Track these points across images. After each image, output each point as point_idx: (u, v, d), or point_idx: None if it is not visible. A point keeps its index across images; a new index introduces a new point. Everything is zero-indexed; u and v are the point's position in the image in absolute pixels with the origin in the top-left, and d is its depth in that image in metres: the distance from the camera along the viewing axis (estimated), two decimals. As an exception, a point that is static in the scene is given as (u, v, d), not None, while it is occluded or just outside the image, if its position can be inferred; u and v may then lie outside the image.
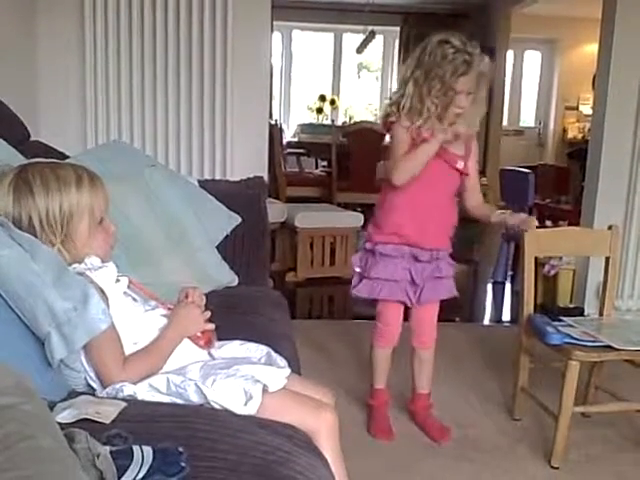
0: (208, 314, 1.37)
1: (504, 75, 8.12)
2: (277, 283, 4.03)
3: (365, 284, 2.20)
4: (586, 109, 8.43)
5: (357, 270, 2.24)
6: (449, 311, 3.97)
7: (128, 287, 1.33)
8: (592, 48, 6.07)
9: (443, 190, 2.16)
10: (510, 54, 8.31)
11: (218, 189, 2.25)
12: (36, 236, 1.23)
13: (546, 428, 2.30)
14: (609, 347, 2.05)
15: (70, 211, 1.25)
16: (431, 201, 2.13)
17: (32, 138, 2.19)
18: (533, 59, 9.19)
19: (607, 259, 2.41)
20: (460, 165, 2.13)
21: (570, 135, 8.98)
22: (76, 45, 3.40)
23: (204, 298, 1.43)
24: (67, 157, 1.93)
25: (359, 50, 7.84)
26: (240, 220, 2.17)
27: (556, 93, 9.07)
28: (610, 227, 2.40)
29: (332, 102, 8.50)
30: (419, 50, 2.05)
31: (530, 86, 9.26)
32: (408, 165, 2.04)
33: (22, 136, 2.07)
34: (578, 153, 5.82)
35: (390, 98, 2.14)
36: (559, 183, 5.20)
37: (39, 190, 1.23)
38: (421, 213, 2.12)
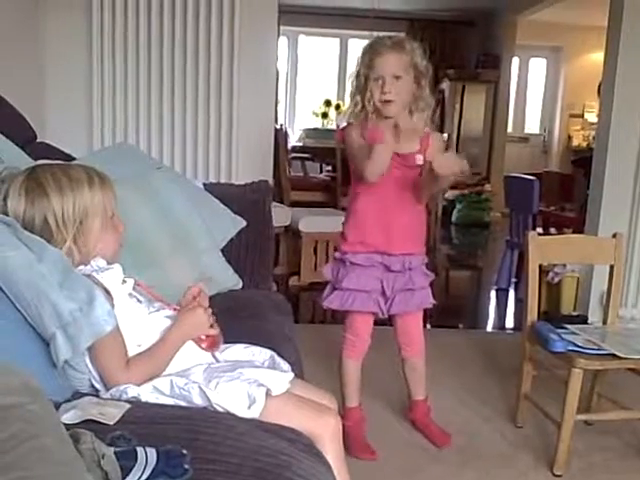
0: (212, 319, 1.37)
1: (509, 82, 8.14)
2: (280, 287, 4.03)
3: (336, 295, 2.14)
4: (591, 117, 8.44)
5: (329, 280, 2.19)
6: (452, 317, 4.01)
7: (134, 289, 1.33)
8: (598, 56, 6.08)
9: (403, 192, 2.07)
10: (515, 61, 8.33)
11: (223, 192, 2.25)
12: (51, 235, 1.24)
13: (549, 436, 2.29)
14: (613, 355, 2.05)
15: (84, 210, 1.27)
16: (392, 205, 2.06)
17: (38, 139, 2.20)
18: (538, 66, 9.20)
19: (611, 267, 2.40)
20: (420, 160, 2.05)
21: (575, 143, 8.99)
22: (83, 48, 3.41)
23: (207, 299, 1.43)
24: (73, 159, 1.94)
25: (365, 56, 7.85)
26: (245, 224, 2.17)
27: (561, 100, 9.08)
28: (615, 235, 2.39)
29: (337, 107, 8.52)
30: None
31: (535, 93, 9.27)
32: (372, 167, 1.95)
33: (28, 137, 2.08)
34: (583, 161, 5.82)
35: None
36: (564, 190, 5.20)
37: (53, 190, 1.25)
38: (383, 218, 2.07)
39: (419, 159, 2.05)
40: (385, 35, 2.05)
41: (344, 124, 2.12)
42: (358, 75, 2.01)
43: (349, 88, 2.08)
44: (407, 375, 2.32)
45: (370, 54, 1.99)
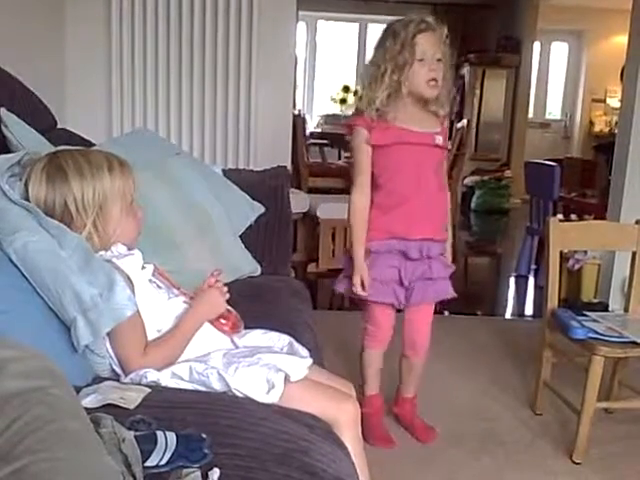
0: (225, 290, 1.38)
1: (530, 67, 8.04)
2: (298, 274, 4.04)
3: (350, 283, 2.06)
4: (613, 102, 8.32)
5: (345, 267, 2.14)
6: (471, 304, 3.99)
7: (153, 275, 1.34)
8: (620, 40, 5.98)
9: (424, 173, 2.02)
10: (537, 45, 8.22)
11: (242, 178, 2.25)
12: (72, 220, 1.25)
13: (568, 423, 2.28)
14: (634, 343, 2.03)
15: (104, 195, 1.27)
16: (414, 188, 2.00)
17: (59, 126, 2.21)
18: (560, 51, 9.08)
19: (634, 254, 2.37)
20: (439, 140, 2.02)
21: (597, 128, 8.88)
22: (103, 35, 3.42)
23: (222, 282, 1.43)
24: (93, 145, 1.94)
25: (384, 41, 7.78)
26: (263, 210, 2.17)
27: (583, 85, 8.96)
28: (637, 221, 2.36)
29: (356, 93, 8.47)
30: (376, 42, 2.00)
31: (557, 78, 9.15)
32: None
33: (49, 124, 2.09)
34: (605, 146, 5.75)
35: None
36: (585, 176, 5.14)
37: (74, 175, 1.25)
38: (406, 203, 2.00)
39: (438, 139, 2.02)
40: (418, 17, 1.95)
41: (354, 117, 2.04)
42: (396, 57, 1.91)
43: (371, 70, 1.97)
44: (403, 371, 2.25)
45: (412, 35, 1.90)
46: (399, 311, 2.17)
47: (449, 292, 2.13)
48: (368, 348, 2.19)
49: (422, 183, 2.02)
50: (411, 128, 1.98)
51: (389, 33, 1.95)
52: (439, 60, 1.93)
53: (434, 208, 2.07)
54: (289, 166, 3.56)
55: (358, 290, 2.01)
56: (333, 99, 8.61)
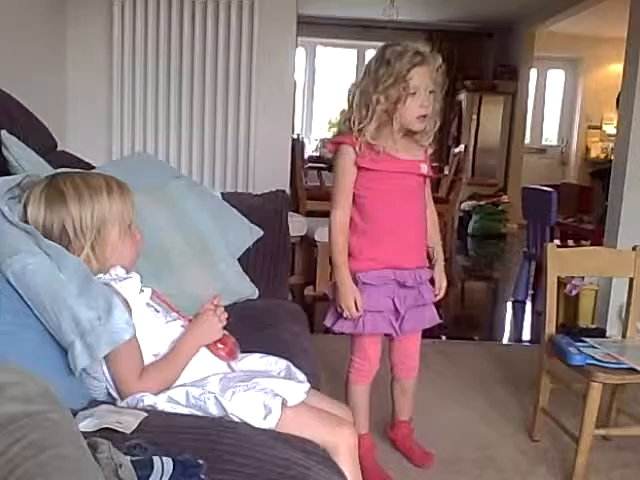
0: (224, 317, 1.37)
1: (527, 93, 8.12)
2: (296, 296, 4.03)
3: (345, 318, 1.97)
4: (609, 128, 8.39)
5: (332, 301, 2.01)
6: (468, 329, 3.98)
7: (151, 298, 1.34)
8: (616, 67, 6.05)
9: (409, 202, 1.99)
10: (533, 72, 8.30)
11: (241, 202, 2.26)
12: (69, 243, 1.25)
13: (566, 450, 2.26)
14: (632, 370, 2.02)
15: (102, 218, 1.28)
16: (404, 216, 1.98)
17: (59, 148, 2.22)
18: (556, 78, 9.17)
19: (631, 280, 2.37)
20: (424, 169, 2.00)
21: (593, 154, 8.94)
22: (104, 59, 3.46)
23: (222, 307, 1.42)
24: (93, 167, 1.95)
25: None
26: (262, 233, 2.17)
27: (579, 112, 9.04)
28: (635, 247, 2.37)
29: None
30: (365, 66, 1.95)
31: (553, 105, 9.24)
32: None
33: (49, 146, 2.10)
34: (601, 172, 5.78)
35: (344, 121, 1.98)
36: (582, 202, 5.17)
37: (72, 198, 1.26)
38: (397, 232, 1.97)
39: (423, 168, 2.00)
40: (413, 45, 1.90)
41: (342, 135, 1.99)
42: (388, 89, 1.86)
43: (360, 97, 1.92)
44: (395, 395, 2.22)
45: (406, 70, 1.84)
46: (386, 335, 2.11)
47: (437, 317, 2.11)
48: (355, 383, 2.11)
49: (410, 211, 2.00)
50: (398, 156, 1.94)
51: (382, 62, 1.88)
52: (432, 92, 1.90)
53: (421, 235, 2.05)
54: (288, 190, 3.57)
55: (354, 314, 1.93)
56: (331, 123, 8.66)
